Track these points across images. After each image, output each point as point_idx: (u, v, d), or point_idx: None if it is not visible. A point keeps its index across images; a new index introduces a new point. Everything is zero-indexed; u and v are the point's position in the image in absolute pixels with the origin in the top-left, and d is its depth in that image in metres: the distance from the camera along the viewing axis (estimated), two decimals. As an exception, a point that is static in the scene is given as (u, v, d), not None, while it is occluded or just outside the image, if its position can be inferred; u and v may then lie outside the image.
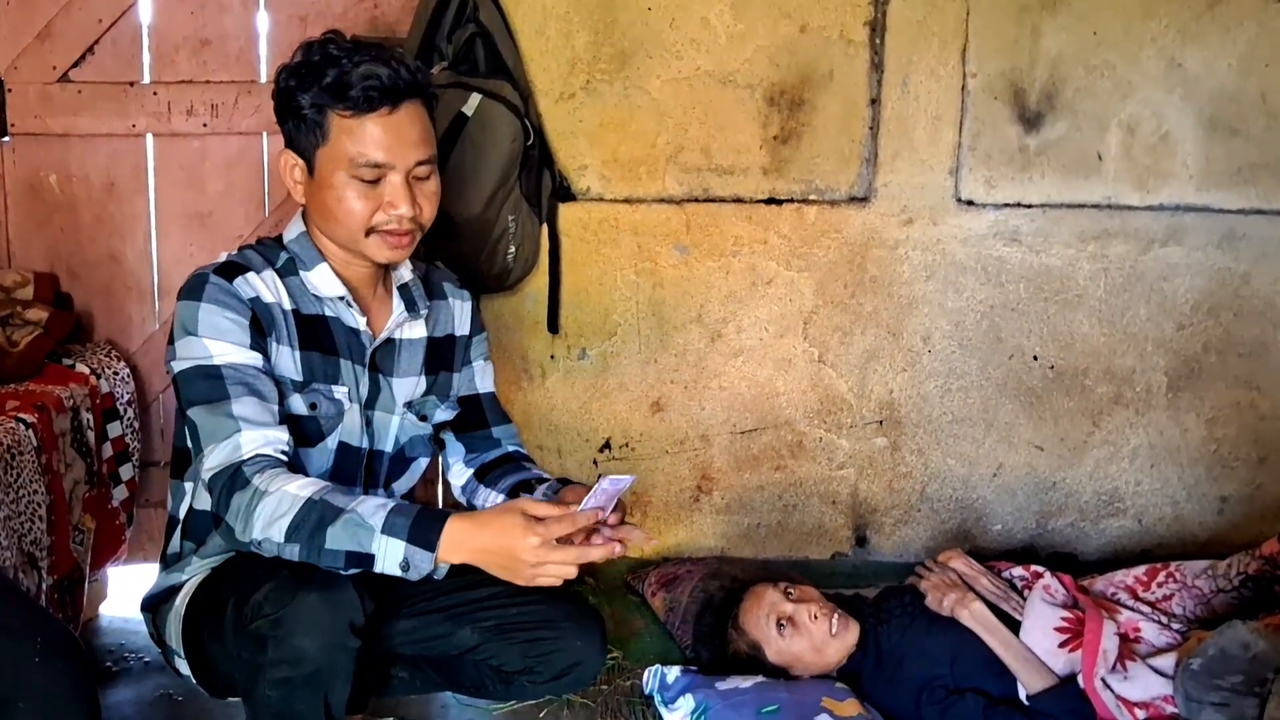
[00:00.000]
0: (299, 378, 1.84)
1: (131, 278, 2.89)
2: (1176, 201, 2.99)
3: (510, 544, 1.62)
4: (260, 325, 1.81)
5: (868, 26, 2.87)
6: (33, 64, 2.74)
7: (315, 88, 1.76)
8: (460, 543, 1.63)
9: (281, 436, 1.75)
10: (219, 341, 1.76)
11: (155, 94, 2.79)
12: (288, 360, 1.84)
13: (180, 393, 1.78)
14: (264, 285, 1.84)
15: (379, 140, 1.76)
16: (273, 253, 1.90)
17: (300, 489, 1.66)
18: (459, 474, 2.13)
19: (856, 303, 2.99)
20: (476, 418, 2.11)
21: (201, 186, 2.86)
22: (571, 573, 1.63)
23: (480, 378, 2.13)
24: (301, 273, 1.88)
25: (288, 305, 1.85)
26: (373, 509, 1.64)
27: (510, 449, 2.14)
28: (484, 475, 2.10)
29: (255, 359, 1.78)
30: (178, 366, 1.77)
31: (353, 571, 1.65)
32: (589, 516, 1.66)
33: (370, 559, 1.62)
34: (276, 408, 1.78)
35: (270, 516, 1.64)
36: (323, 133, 1.77)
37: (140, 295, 2.90)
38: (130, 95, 2.79)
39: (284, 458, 1.74)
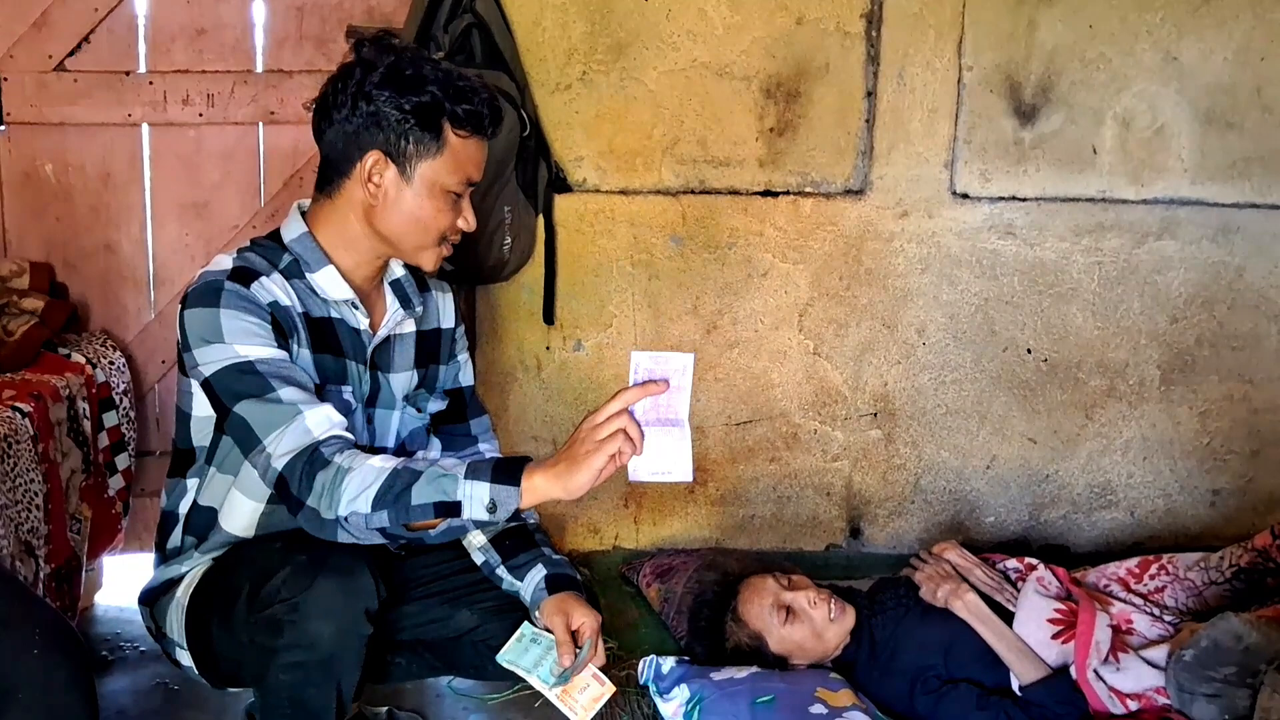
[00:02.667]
0: (315, 380, 1.83)
1: (127, 268, 2.89)
2: (1171, 195, 3.00)
3: (574, 435, 1.62)
4: (281, 329, 1.80)
5: (864, 19, 2.87)
6: (29, 53, 2.74)
7: (434, 96, 1.78)
8: (537, 469, 1.62)
9: (338, 415, 1.75)
10: (245, 345, 1.74)
11: (151, 83, 2.78)
12: (305, 363, 1.83)
13: (219, 394, 1.74)
14: (277, 289, 1.83)
15: (479, 161, 1.85)
16: (274, 254, 1.87)
17: (383, 462, 1.67)
18: None
19: (852, 295, 3.00)
20: (457, 412, 2.12)
21: (197, 176, 2.85)
22: (621, 421, 1.57)
23: (464, 371, 2.14)
24: (307, 275, 1.87)
25: (299, 309, 1.85)
26: (453, 463, 1.67)
27: (486, 452, 2.15)
28: None
29: (284, 355, 1.77)
30: (208, 371, 1.74)
31: (439, 529, 1.67)
32: (639, 391, 1.62)
33: (457, 505, 1.62)
34: (314, 393, 1.77)
35: (357, 489, 1.64)
36: (439, 145, 1.80)
37: (136, 285, 2.89)
38: (126, 84, 2.78)
39: (352, 437, 1.75)
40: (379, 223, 1.85)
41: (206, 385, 1.75)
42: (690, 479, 1.65)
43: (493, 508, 1.61)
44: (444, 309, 2.10)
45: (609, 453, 1.56)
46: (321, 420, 1.71)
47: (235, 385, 1.72)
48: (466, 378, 2.16)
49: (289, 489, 1.68)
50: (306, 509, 1.67)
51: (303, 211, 1.92)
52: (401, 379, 2.00)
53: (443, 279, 2.13)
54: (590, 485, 1.59)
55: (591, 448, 1.57)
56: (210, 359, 1.74)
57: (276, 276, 1.84)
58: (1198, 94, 2.95)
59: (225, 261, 1.84)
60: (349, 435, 1.74)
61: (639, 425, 1.59)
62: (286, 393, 1.71)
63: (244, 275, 1.80)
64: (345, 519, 1.64)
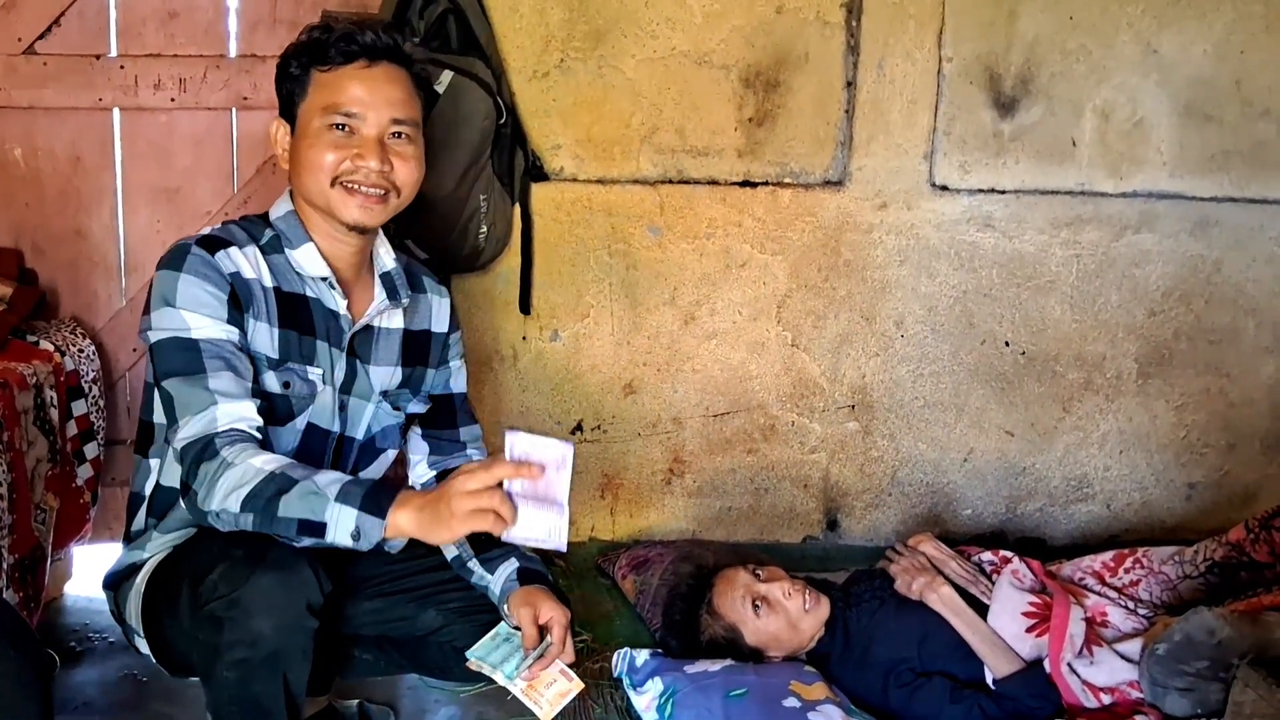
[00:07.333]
0: (275, 355, 1.83)
1: (97, 254, 2.85)
2: (1150, 188, 3.00)
3: (443, 489, 1.60)
4: (239, 300, 1.80)
5: (844, 8, 2.86)
6: (-3, 35, 2.70)
7: (303, 52, 1.83)
8: (406, 502, 1.60)
9: (253, 412, 1.75)
10: (196, 314, 1.75)
11: (122, 67, 2.74)
12: (265, 336, 1.82)
13: (155, 362, 1.77)
14: (245, 261, 1.83)
15: (351, 91, 1.80)
16: (257, 229, 1.89)
17: (264, 463, 1.65)
18: (421, 474, 2.11)
19: (830, 286, 2.99)
20: (447, 418, 2.09)
21: (169, 162, 2.81)
22: (494, 499, 1.56)
23: (455, 378, 2.12)
24: (286, 250, 1.87)
25: (269, 282, 1.84)
26: (329, 480, 1.63)
27: (474, 457, 2.12)
28: None
29: (232, 333, 1.77)
30: (154, 336, 1.77)
31: (305, 543, 1.63)
32: (513, 470, 1.60)
33: (322, 527, 1.59)
34: (250, 384, 1.77)
35: (231, 487, 1.63)
36: (304, 89, 1.83)
37: (106, 272, 2.86)
38: (97, 68, 2.74)
39: (257, 435, 1.74)
40: (293, 182, 1.88)
41: (151, 351, 1.78)
42: (563, 549, 1.63)
43: (356, 535, 1.58)
44: (438, 312, 2.08)
45: (475, 525, 1.56)
46: (231, 413, 1.72)
47: (172, 359, 1.74)
48: (458, 385, 2.13)
49: (183, 473, 1.71)
50: (192, 494, 1.69)
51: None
52: (382, 373, 1.97)
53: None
54: (451, 542, 1.73)
55: (459, 514, 1.56)
56: (160, 325, 1.76)
57: (251, 249, 1.85)
58: (1177, 87, 2.95)
59: (204, 230, 1.87)
60: (254, 432, 1.73)
61: (512, 499, 1.58)
62: (216, 380, 1.73)
63: (211, 242, 1.82)
64: (218, 514, 1.65)
